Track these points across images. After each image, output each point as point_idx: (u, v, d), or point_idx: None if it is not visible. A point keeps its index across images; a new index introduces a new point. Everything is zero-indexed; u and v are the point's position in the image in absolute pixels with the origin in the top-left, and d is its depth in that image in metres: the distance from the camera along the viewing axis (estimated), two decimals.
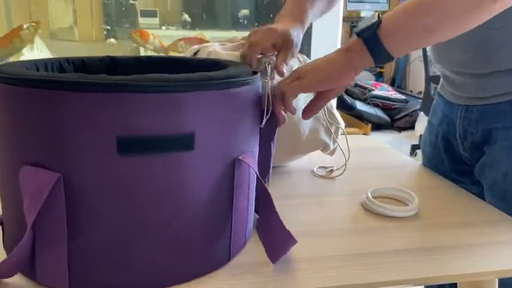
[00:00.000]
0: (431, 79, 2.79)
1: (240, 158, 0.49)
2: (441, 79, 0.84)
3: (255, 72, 0.53)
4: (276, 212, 0.49)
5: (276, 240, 0.49)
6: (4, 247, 0.53)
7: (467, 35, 0.56)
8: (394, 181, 0.79)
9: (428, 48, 0.83)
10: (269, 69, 0.56)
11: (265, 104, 0.54)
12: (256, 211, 0.58)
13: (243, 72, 0.52)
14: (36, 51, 2.71)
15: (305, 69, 0.57)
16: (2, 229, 0.52)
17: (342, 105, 3.64)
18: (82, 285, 0.45)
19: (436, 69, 2.95)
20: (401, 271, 0.51)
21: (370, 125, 3.71)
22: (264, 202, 0.50)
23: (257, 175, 0.49)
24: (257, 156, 0.54)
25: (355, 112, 3.84)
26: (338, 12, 1.76)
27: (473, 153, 0.78)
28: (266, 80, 0.56)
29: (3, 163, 0.46)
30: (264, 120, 0.54)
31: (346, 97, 3.78)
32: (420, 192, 0.74)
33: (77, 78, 0.41)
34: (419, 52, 4.68)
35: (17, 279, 0.48)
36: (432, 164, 0.88)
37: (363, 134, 3.50)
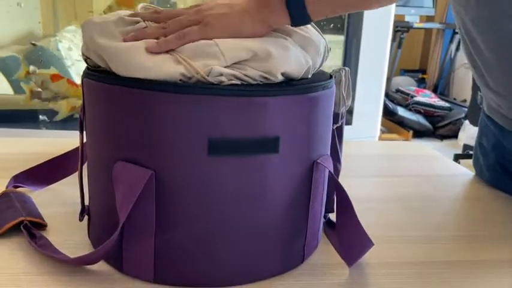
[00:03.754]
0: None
1: (319, 161, 0.50)
2: (488, 102, 0.79)
3: (331, 76, 0.54)
4: (355, 214, 0.50)
5: (353, 243, 0.50)
6: (89, 236, 0.56)
7: None
8: (444, 189, 0.79)
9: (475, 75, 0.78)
10: (343, 77, 0.57)
11: (341, 107, 0.55)
12: (325, 213, 0.59)
13: (322, 76, 0.53)
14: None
15: (211, 12, 0.47)
16: (88, 219, 0.55)
17: (383, 111, 3.60)
18: (165, 276, 0.47)
19: None
20: (469, 284, 0.51)
21: (411, 132, 3.65)
22: (342, 204, 0.50)
23: (335, 178, 0.50)
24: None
25: (396, 118, 3.79)
26: (389, 17, 1.74)
27: None
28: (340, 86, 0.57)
29: (96, 157, 0.49)
30: (339, 122, 0.55)
31: (388, 102, 3.74)
32: (474, 201, 0.74)
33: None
34: (465, 59, 4.57)
35: (102, 266, 0.50)
36: (495, 186, 0.82)
37: (403, 141, 3.44)
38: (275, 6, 0.47)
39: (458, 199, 0.75)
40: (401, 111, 3.77)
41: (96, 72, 0.46)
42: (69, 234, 0.57)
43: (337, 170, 0.59)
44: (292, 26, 0.48)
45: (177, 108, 0.43)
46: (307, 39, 0.49)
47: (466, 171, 0.91)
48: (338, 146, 0.60)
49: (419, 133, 3.70)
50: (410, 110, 3.85)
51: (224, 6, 0.48)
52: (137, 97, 0.43)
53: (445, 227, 0.64)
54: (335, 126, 0.57)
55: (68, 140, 0.94)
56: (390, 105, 3.76)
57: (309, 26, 0.51)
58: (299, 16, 0.47)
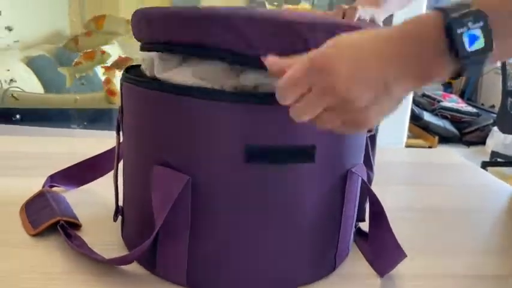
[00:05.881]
0: (509, 93, 2.65)
1: (353, 170, 0.49)
2: None
3: None
4: (389, 224, 0.49)
5: (386, 253, 0.50)
6: (122, 236, 0.56)
7: None
8: (475, 200, 0.77)
9: None
10: None
11: None
12: (356, 222, 0.59)
13: None
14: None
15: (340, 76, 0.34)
16: (122, 220, 0.56)
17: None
18: (197, 281, 0.48)
19: None
20: None
21: (437, 138, 3.58)
22: (375, 213, 0.50)
23: (369, 188, 0.50)
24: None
25: (422, 123, 3.72)
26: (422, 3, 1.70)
27: None
28: None
29: (133, 160, 0.50)
30: (373, 131, 0.55)
31: (413, 107, 3.67)
32: (509, 212, 0.72)
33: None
34: (495, 64, 4.47)
35: (134, 267, 0.51)
36: None
37: (428, 147, 3.39)
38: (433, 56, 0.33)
39: (490, 210, 0.74)
40: (427, 116, 3.70)
41: (136, 77, 0.47)
42: (103, 234, 0.58)
43: (369, 179, 0.59)
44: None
45: (215, 115, 0.43)
46: None
47: (496, 180, 0.89)
48: (371, 154, 0.59)
49: (445, 139, 3.63)
50: (436, 115, 3.78)
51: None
52: (176, 103, 0.44)
53: (479, 239, 0.63)
54: (368, 134, 0.57)
55: (101, 140, 0.96)
56: (416, 109, 3.70)
57: None
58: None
